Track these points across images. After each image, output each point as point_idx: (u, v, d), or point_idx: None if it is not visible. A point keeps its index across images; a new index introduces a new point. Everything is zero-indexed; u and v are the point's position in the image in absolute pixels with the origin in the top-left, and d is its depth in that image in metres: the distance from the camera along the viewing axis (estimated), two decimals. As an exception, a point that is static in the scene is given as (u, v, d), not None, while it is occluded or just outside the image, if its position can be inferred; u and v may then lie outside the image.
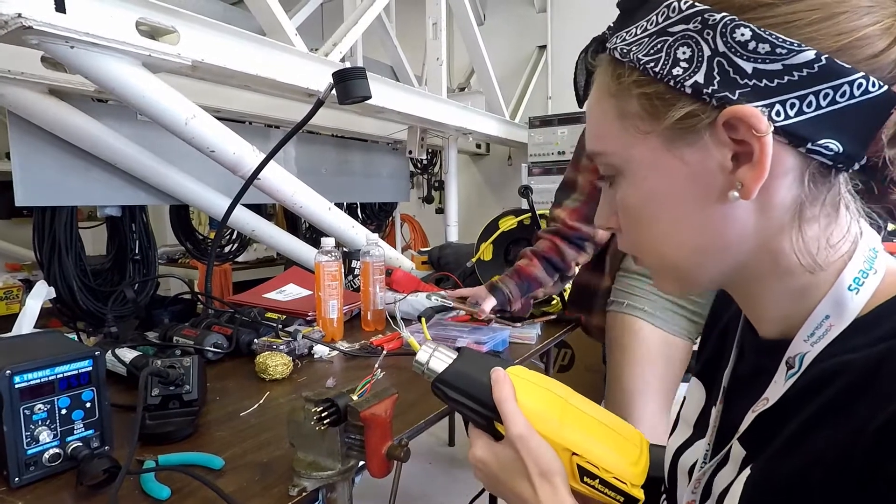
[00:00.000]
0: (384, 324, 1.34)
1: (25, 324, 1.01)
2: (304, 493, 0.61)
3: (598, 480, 0.48)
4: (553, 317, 1.47)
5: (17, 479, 0.63)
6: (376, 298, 1.34)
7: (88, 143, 1.50)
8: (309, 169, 2.29)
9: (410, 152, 2.56)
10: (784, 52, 0.34)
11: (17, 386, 0.62)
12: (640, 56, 0.38)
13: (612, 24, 0.42)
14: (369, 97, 1.32)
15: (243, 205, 1.73)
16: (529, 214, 1.58)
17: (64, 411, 0.66)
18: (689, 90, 0.36)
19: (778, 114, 0.34)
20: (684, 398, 0.54)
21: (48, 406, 0.65)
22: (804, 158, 0.36)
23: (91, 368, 0.68)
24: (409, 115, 2.11)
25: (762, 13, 0.34)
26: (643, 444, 0.50)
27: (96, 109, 1.52)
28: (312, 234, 2.57)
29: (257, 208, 2.02)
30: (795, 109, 0.34)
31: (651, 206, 0.41)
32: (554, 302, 1.56)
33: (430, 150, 3.35)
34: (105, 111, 1.55)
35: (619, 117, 0.40)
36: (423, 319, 1.25)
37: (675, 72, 0.36)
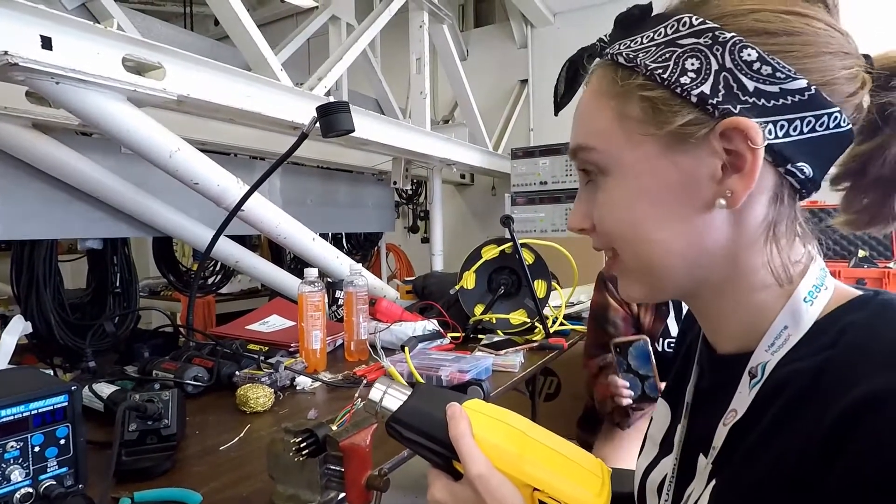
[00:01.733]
0: (368, 354, 1.34)
1: (0, 360, 0.99)
2: (282, 528, 0.60)
3: None
4: (536, 344, 1.47)
5: (-15, 520, 0.61)
6: (360, 328, 1.34)
7: (71, 177, 1.50)
8: (294, 200, 2.30)
9: (395, 183, 2.59)
10: (783, 76, 0.37)
11: (-11, 423, 0.61)
12: (647, 62, 0.40)
13: (603, 37, 0.44)
14: (352, 130, 1.34)
15: (227, 236, 1.73)
16: (511, 244, 1.61)
17: (37, 449, 0.64)
18: (694, 99, 0.38)
19: (770, 132, 0.37)
20: (651, 419, 0.56)
21: (21, 444, 0.63)
22: (780, 179, 0.39)
23: (67, 404, 0.67)
24: (394, 147, 2.14)
25: (766, 39, 0.37)
26: (605, 474, 0.49)
27: (80, 143, 1.53)
28: (297, 265, 2.56)
29: (241, 239, 2.02)
30: (784, 131, 0.37)
31: (638, 206, 0.42)
32: (537, 330, 1.57)
33: (414, 181, 3.39)
34: (89, 145, 1.55)
35: (618, 118, 0.42)
36: (406, 349, 1.25)
37: (682, 80, 0.39)
